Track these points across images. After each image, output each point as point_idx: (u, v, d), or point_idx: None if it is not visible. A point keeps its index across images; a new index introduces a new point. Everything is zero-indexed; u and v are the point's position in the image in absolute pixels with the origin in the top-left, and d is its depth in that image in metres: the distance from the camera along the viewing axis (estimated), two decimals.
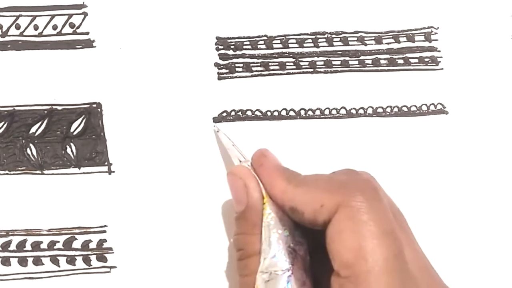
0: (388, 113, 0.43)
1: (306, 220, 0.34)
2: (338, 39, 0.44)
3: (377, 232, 0.31)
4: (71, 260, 0.42)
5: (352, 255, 0.31)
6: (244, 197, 0.36)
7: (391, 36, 0.44)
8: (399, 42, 0.44)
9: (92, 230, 0.42)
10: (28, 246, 0.42)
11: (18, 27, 0.43)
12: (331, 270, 0.32)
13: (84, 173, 0.42)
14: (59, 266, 0.42)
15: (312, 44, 0.44)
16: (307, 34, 0.44)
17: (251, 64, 0.43)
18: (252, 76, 0.43)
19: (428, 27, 0.44)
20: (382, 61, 0.44)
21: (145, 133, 0.42)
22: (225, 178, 0.42)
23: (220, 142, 0.42)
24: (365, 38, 0.44)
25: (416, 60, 0.44)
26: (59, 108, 0.43)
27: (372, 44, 0.44)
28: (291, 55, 0.44)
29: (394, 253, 0.31)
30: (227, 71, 0.43)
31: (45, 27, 0.43)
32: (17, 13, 0.43)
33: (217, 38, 0.43)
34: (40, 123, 0.42)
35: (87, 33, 0.43)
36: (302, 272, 0.34)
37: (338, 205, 0.32)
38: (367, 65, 0.44)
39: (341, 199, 0.32)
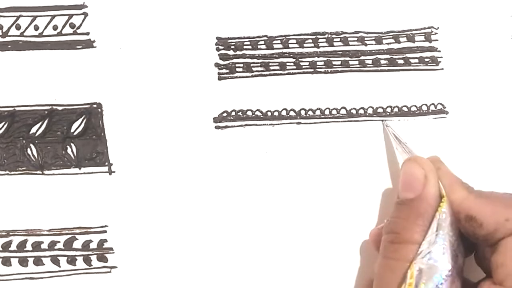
0: (388, 113, 0.43)
1: (482, 230, 0.35)
2: (338, 39, 0.44)
3: None
4: (71, 260, 0.42)
5: None
6: (419, 187, 0.36)
7: (391, 36, 0.44)
8: (399, 42, 0.44)
9: (92, 230, 0.42)
10: (28, 246, 0.42)
11: (18, 27, 0.43)
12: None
13: (84, 173, 0.42)
14: (59, 266, 0.42)
15: (312, 44, 0.44)
16: (307, 34, 0.44)
17: (252, 64, 0.44)
18: (252, 76, 0.43)
19: (428, 27, 0.44)
20: (382, 61, 0.44)
21: (145, 133, 0.43)
22: (224, 179, 0.42)
23: (388, 137, 0.42)
24: (365, 38, 0.44)
25: (416, 60, 0.44)
26: (60, 108, 0.43)
27: (372, 44, 0.44)
28: (291, 55, 0.44)
29: None
30: (228, 71, 0.43)
31: (45, 28, 0.43)
32: (18, 14, 0.43)
33: (218, 38, 0.43)
34: (40, 123, 0.42)
35: (88, 34, 0.43)
36: (457, 281, 0.35)
37: None
38: (367, 65, 0.44)
39: None
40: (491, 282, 0.34)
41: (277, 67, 0.44)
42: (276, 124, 0.43)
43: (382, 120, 0.43)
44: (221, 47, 0.43)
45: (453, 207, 0.36)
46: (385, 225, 0.38)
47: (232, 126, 0.43)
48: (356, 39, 0.44)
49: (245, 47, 0.44)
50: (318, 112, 0.43)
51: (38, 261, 0.42)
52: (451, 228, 0.36)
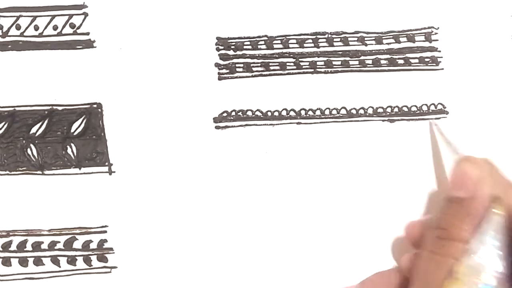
0: (388, 113, 0.44)
1: None
2: (339, 39, 0.44)
3: None
4: (71, 261, 0.42)
5: None
6: (472, 187, 0.36)
7: (391, 36, 0.44)
8: (399, 42, 0.44)
9: (92, 230, 0.42)
10: (28, 247, 0.42)
11: (18, 27, 0.43)
12: None
13: (84, 173, 0.42)
14: (59, 267, 0.42)
15: (312, 44, 0.44)
16: (308, 34, 0.44)
17: (252, 64, 0.44)
18: (252, 76, 0.43)
19: (428, 27, 0.44)
20: (382, 61, 0.44)
21: (145, 133, 0.43)
22: (224, 179, 0.42)
23: (434, 137, 0.42)
24: (366, 38, 0.44)
25: (417, 60, 0.44)
26: (60, 108, 0.43)
27: (372, 44, 0.44)
28: (291, 55, 0.44)
29: None
30: (228, 71, 0.43)
31: (45, 28, 0.43)
32: (18, 14, 0.43)
33: (218, 38, 0.43)
34: (40, 123, 0.42)
35: (88, 34, 0.43)
36: (506, 283, 0.35)
37: None
38: (368, 65, 0.44)
39: None
40: None
41: (277, 67, 0.44)
42: (276, 124, 0.43)
43: (429, 119, 0.43)
44: (221, 47, 0.43)
45: (506, 210, 0.36)
46: (432, 220, 0.37)
47: (232, 126, 0.43)
48: (356, 39, 0.44)
49: (245, 47, 0.44)
50: (318, 112, 0.43)
51: (38, 261, 0.42)
52: (503, 231, 0.35)
